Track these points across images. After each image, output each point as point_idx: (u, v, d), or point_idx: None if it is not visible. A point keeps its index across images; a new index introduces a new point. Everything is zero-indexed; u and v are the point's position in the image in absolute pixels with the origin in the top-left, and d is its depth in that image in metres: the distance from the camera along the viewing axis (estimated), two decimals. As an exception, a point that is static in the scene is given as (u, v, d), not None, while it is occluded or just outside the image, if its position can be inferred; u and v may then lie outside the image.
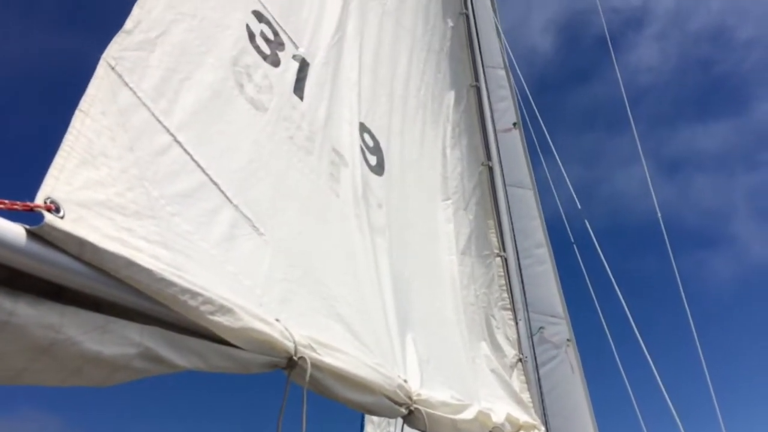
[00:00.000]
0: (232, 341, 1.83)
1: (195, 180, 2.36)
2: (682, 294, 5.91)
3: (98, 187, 1.75)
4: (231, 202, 2.49)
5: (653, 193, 6.71)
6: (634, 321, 5.34)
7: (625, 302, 5.70)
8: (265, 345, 1.93)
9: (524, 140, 7.53)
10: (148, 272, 1.60)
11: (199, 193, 2.33)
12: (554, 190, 6.21)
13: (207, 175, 2.43)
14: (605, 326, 6.17)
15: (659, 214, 6.56)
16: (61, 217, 1.50)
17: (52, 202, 1.51)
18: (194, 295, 1.69)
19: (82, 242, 1.48)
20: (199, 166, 2.41)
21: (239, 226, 2.46)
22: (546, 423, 4.77)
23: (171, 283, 1.64)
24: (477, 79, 5.95)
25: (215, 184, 2.45)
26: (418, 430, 2.80)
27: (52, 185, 1.57)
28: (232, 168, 2.66)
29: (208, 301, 1.73)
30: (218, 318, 1.75)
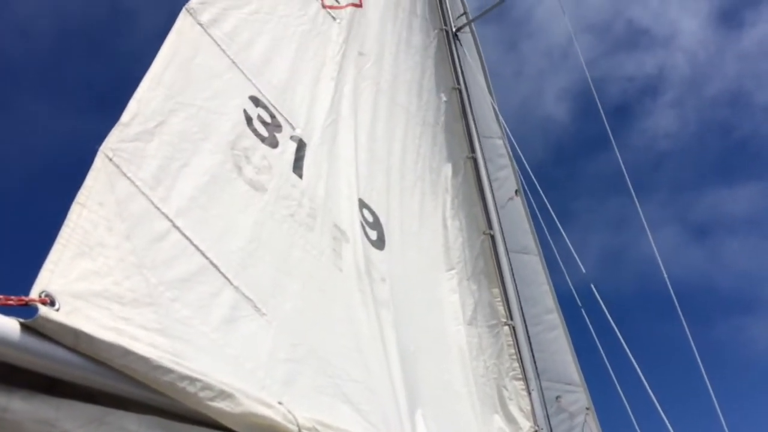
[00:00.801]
0: (234, 427, 1.78)
1: (194, 263, 2.37)
2: (700, 363, 5.77)
3: (94, 277, 1.76)
4: (231, 283, 2.49)
5: (660, 261, 6.65)
6: (651, 389, 5.19)
7: (641, 370, 5.57)
8: (267, 430, 1.88)
9: (527, 207, 7.56)
10: (144, 360, 1.58)
11: (198, 277, 2.34)
12: (557, 255, 6.18)
13: (207, 257, 2.45)
14: (622, 395, 6.00)
15: (668, 281, 6.48)
16: (57, 310, 1.50)
17: (47, 295, 1.52)
18: (193, 381, 1.66)
19: (77, 333, 1.48)
20: (198, 249, 2.43)
21: (240, 308, 2.45)
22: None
23: (168, 371, 1.61)
24: (473, 150, 6.03)
25: (215, 266, 2.46)
26: None
27: (48, 278, 1.59)
28: (233, 249, 2.68)
29: (207, 386, 1.70)
30: (218, 404, 1.71)
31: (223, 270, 2.48)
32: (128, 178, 2.24)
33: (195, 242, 2.43)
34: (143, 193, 2.26)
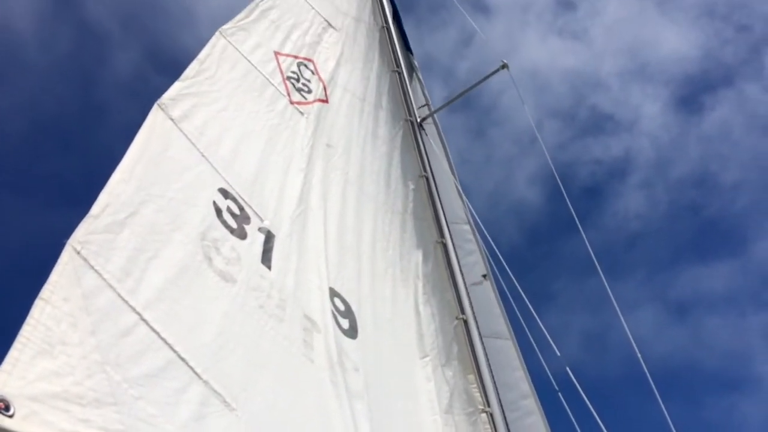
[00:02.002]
0: None
1: (162, 358, 2.30)
2: None
3: (54, 377, 1.70)
4: (200, 378, 2.42)
5: (633, 342, 6.65)
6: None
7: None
8: None
9: (496, 291, 7.58)
10: None
11: (165, 372, 2.27)
12: (531, 339, 6.15)
13: (175, 351, 2.38)
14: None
15: (642, 362, 6.47)
16: (11, 416, 1.43)
17: (2, 399, 1.46)
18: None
19: None
20: (166, 342, 2.37)
21: (209, 404, 2.37)
22: None
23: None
24: (442, 235, 6.09)
25: (183, 360, 2.40)
26: None
27: (4, 381, 1.52)
28: (202, 342, 2.61)
29: None
30: None
31: (191, 364, 2.42)
32: (96, 271, 2.21)
33: (163, 335, 2.37)
34: (111, 286, 2.22)
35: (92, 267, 2.23)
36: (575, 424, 5.68)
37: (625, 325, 6.65)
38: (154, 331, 2.35)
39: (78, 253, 2.22)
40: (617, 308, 6.84)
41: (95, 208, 2.47)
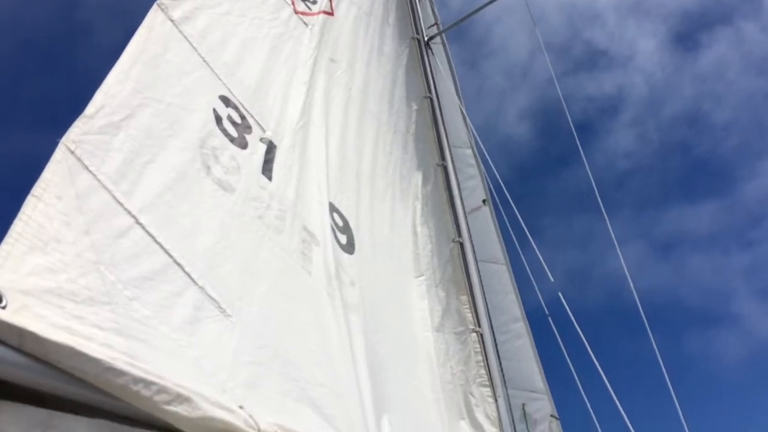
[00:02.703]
0: (187, 430, 1.72)
1: (157, 262, 2.30)
2: (666, 375, 5.82)
3: (47, 273, 1.68)
4: (196, 283, 2.43)
5: (628, 275, 6.72)
6: (617, 397, 5.22)
7: (607, 378, 5.60)
8: (226, 435, 1.82)
9: (494, 216, 7.59)
10: (96, 362, 1.51)
11: (161, 276, 2.27)
12: (526, 265, 6.20)
13: (171, 256, 2.38)
14: (587, 403, 6.03)
15: (635, 293, 6.55)
16: (3, 307, 1.42)
17: None
18: (147, 384, 1.59)
19: (21, 332, 1.40)
20: (162, 247, 2.36)
21: (204, 309, 2.38)
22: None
23: (121, 373, 1.54)
24: (443, 158, 6.04)
25: (179, 265, 2.40)
26: None
27: None
28: (198, 248, 2.61)
29: (163, 390, 1.63)
30: (174, 408, 1.65)
31: (187, 269, 2.42)
32: (90, 172, 2.17)
33: (159, 240, 2.36)
34: (105, 188, 2.19)
35: (86, 167, 2.19)
36: (563, 348, 5.81)
37: (622, 260, 6.70)
38: (149, 234, 2.33)
39: (72, 152, 2.17)
40: (616, 243, 6.86)
41: (90, 109, 2.40)
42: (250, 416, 1.95)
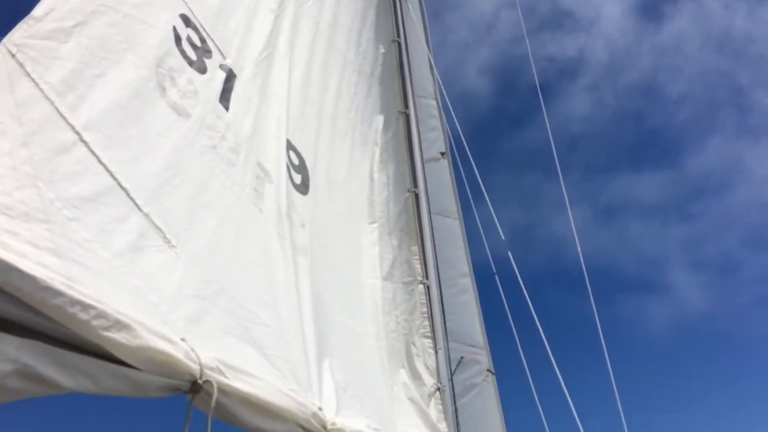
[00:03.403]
0: (129, 361, 1.65)
1: (100, 184, 2.16)
2: (602, 339, 6.01)
3: None
4: (141, 210, 2.31)
5: (576, 235, 6.85)
6: (553, 356, 5.37)
7: (546, 338, 5.75)
8: (166, 366, 1.75)
9: (452, 170, 7.57)
10: (31, 279, 1.41)
11: (104, 198, 2.14)
12: (479, 222, 6.25)
13: (115, 179, 2.24)
14: (524, 360, 6.20)
15: (581, 255, 6.70)
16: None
17: None
18: (86, 307, 1.51)
19: None
20: (107, 169, 2.22)
21: (148, 237, 2.27)
22: (462, 455, 4.69)
23: (58, 293, 1.45)
24: (406, 106, 5.94)
25: (124, 189, 2.27)
26: (332, 461, 2.65)
27: None
28: (146, 174, 2.47)
29: (102, 315, 1.55)
30: (113, 334, 1.57)
31: (132, 194, 2.29)
32: (32, 80, 2.00)
33: (103, 161, 2.21)
34: (48, 98, 2.02)
35: (28, 74, 2.01)
36: (507, 307, 5.92)
37: (572, 221, 6.82)
38: (93, 154, 2.18)
39: (13, 56, 1.99)
40: (568, 205, 6.97)
41: (38, 10, 2.20)
42: (192, 349, 1.89)
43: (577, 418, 5.16)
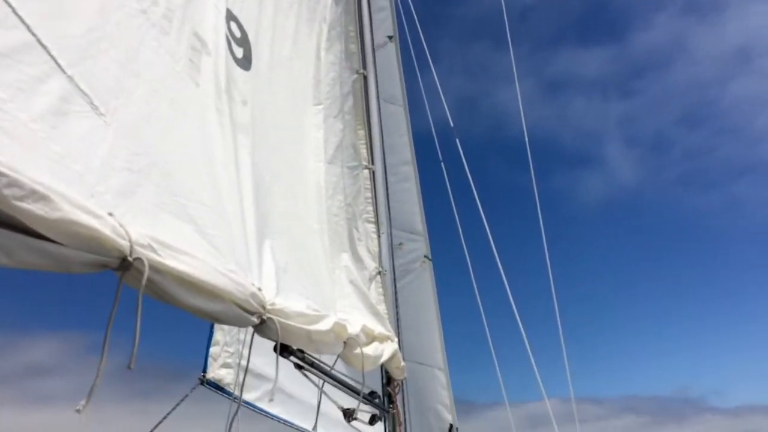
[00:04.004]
0: (48, 235, 1.52)
1: (17, 38, 1.92)
2: (540, 214, 6.17)
3: None
4: (64, 72, 2.08)
5: (521, 107, 6.86)
6: (494, 244, 5.49)
7: (489, 225, 5.86)
8: (91, 242, 1.64)
9: (399, 55, 7.34)
10: None
11: (21, 55, 1.90)
12: (428, 107, 6.13)
13: (34, 35, 1.99)
14: (464, 245, 6.34)
15: (524, 126, 6.75)
16: None
17: None
18: (-4, 174, 1.35)
19: None
20: (23, 22, 1.97)
21: (72, 102, 2.07)
22: (399, 335, 4.85)
23: (-38, 156, 1.28)
24: (358, -20, 5.59)
25: (44, 47, 2.02)
26: (271, 340, 2.65)
27: None
28: (69, 33, 2.21)
29: (14, 183, 1.40)
30: (28, 205, 1.43)
31: (54, 53, 2.05)
32: None
33: (20, 13, 1.95)
34: None
35: None
36: (450, 194, 5.95)
37: (519, 92, 6.78)
38: (8, 4, 1.92)
39: None
40: (516, 75, 6.90)
41: None
42: (121, 225, 1.77)
43: (511, 300, 5.38)
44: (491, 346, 5.86)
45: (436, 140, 6.43)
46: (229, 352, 5.45)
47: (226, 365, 5.40)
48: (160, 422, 4.10)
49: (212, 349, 5.34)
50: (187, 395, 4.86)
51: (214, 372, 5.30)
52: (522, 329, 5.31)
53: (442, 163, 6.47)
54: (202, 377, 5.20)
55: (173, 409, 4.33)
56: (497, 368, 5.73)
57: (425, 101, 6.48)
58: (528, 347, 5.22)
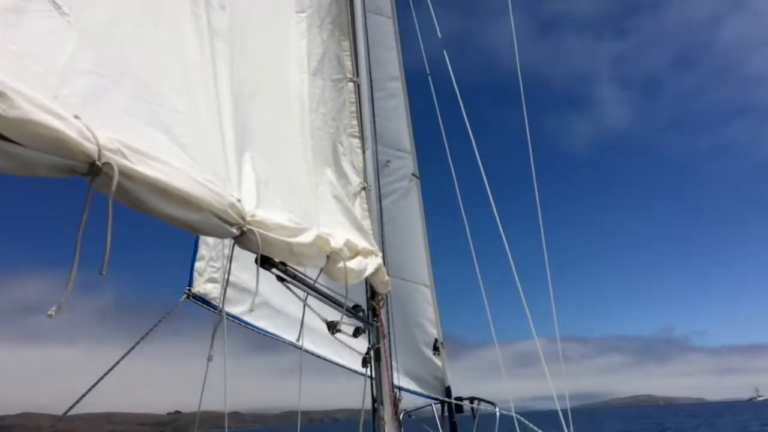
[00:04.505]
0: (8, 135, 1.44)
1: None
2: (530, 149, 6.10)
3: None
4: None
5: (516, 46, 6.65)
6: (481, 162, 5.44)
7: (476, 143, 5.78)
8: (56, 144, 1.56)
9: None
10: None
11: None
12: (416, 18, 5.92)
13: None
14: (450, 163, 6.29)
15: (518, 65, 6.57)
16: None
17: None
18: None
19: None
20: None
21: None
22: (383, 251, 4.86)
23: None
24: None
25: None
26: (251, 252, 2.63)
27: None
28: None
29: None
30: None
31: None
32: None
33: None
34: None
35: None
36: (437, 109, 5.84)
37: (513, 29, 6.57)
38: None
39: None
40: (511, 10, 6.67)
41: None
42: (87, 128, 1.69)
43: (498, 221, 5.39)
44: (477, 267, 5.91)
45: (423, 53, 6.23)
46: (215, 267, 5.47)
47: (212, 280, 5.43)
48: (146, 335, 4.15)
49: (197, 264, 5.35)
50: (173, 308, 4.90)
51: (200, 286, 5.33)
52: (510, 256, 5.34)
53: (429, 77, 6.31)
54: (188, 291, 5.23)
55: (159, 321, 4.37)
56: (483, 293, 5.78)
57: (413, 13, 6.24)
58: (515, 275, 5.24)
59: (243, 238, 2.53)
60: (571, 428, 4.53)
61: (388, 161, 7.02)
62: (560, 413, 4.71)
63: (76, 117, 1.68)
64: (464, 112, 5.50)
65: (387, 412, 4.78)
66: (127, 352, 3.98)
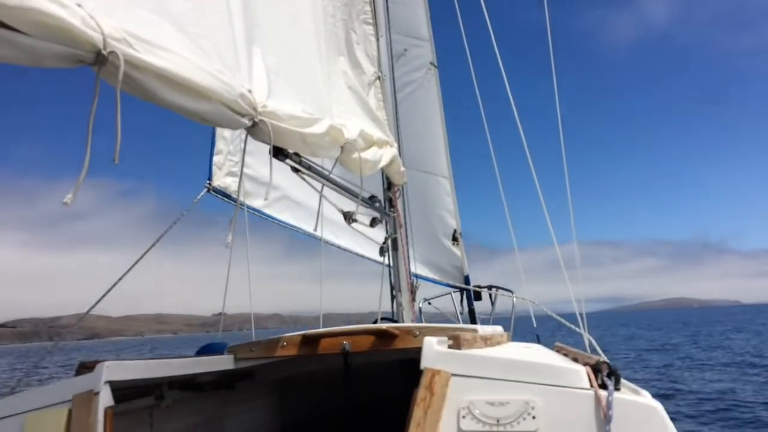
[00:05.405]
0: (11, 23, 1.44)
1: None
2: (551, 49, 5.84)
3: None
4: None
5: None
6: (504, 70, 5.26)
7: (493, 31, 5.57)
8: (60, 32, 1.56)
9: None
10: None
11: None
12: None
13: None
14: (467, 52, 6.10)
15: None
16: None
17: None
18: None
19: None
20: None
21: None
22: (399, 141, 4.85)
23: None
24: None
25: None
26: (264, 143, 2.65)
27: None
28: None
29: None
30: None
31: None
32: None
33: None
34: None
35: None
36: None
37: None
38: None
39: None
40: None
41: None
42: (91, 16, 1.67)
43: (516, 116, 5.29)
44: (493, 155, 5.84)
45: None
46: (233, 161, 5.53)
47: (231, 174, 5.51)
48: (170, 228, 4.28)
49: (216, 158, 5.40)
50: (195, 201, 5.02)
51: (220, 180, 5.41)
52: (528, 153, 5.25)
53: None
54: (208, 185, 5.33)
55: (182, 215, 4.49)
56: (501, 189, 5.73)
57: None
58: (533, 170, 5.15)
59: (255, 129, 2.55)
60: (585, 326, 4.68)
61: (405, 50, 6.84)
62: (576, 308, 4.85)
63: (79, 5, 1.66)
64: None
65: (405, 299, 4.96)
66: (152, 245, 4.13)
